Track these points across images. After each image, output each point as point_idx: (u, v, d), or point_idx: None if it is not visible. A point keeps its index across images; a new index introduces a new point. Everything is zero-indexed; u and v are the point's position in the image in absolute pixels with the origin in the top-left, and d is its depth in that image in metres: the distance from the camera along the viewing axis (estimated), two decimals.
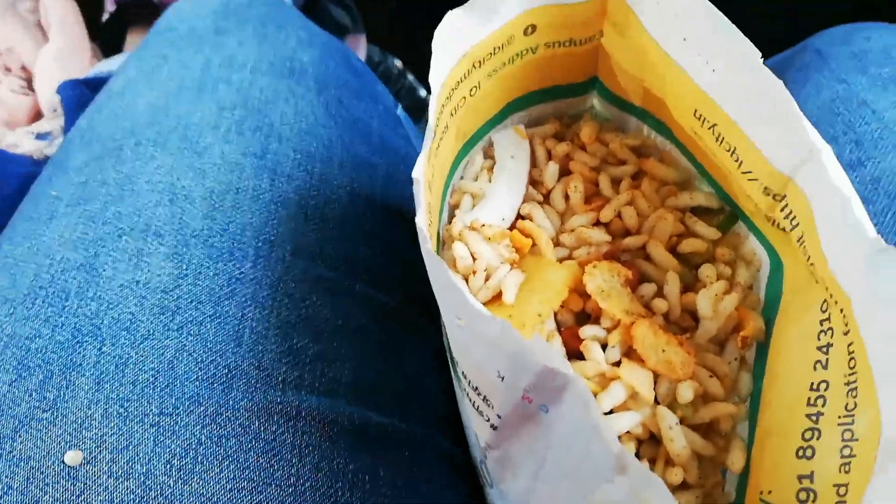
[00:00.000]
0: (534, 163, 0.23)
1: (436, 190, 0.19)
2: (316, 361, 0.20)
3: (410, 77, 0.68)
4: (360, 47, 0.45)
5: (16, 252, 0.22)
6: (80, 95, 0.32)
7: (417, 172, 0.15)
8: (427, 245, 0.14)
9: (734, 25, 0.17)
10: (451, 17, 0.18)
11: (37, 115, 0.41)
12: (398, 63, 0.67)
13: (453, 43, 0.18)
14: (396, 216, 0.25)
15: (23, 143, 0.31)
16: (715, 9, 0.17)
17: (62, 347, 0.18)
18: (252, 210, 0.22)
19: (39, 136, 0.33)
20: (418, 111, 0.68)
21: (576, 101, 0.24)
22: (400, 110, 0.34)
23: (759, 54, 0.16)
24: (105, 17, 0.42)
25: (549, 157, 0.23)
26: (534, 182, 0.22)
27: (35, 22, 0.43)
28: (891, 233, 0.23)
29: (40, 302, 0.20)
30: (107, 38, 0.46)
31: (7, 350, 0.19)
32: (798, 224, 0.17)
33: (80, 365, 0.18)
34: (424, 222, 0.15)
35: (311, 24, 0.31)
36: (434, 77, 0.17)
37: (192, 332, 0.19)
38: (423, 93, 0.69)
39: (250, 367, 0.19)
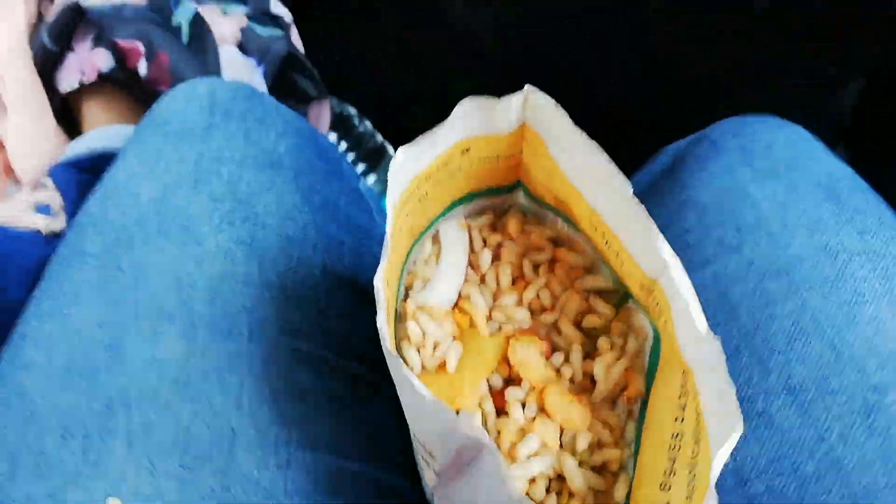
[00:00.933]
0: (472, 249, 0.28)
1: (392, 279, 0.25)
2: (300, 422, 0.25)
3: (367, 123, 0.74)
4: (325, 111, 0.50)
5: (46, 329, 0.26)
6: (76, 179, 0.36)
7: (378, 280, 0.21)
8: (386, 343, 0.20)
9: (608, 157, 0.22)
10: (402, 152, 0.23)
11: (7, 169, 0.44)
12: (353, 110, 0.72)
13: (404, 171, 0.23)
14: (362, 292, 0.31)
15: (27, 217, 0.35)
16: (594, 145, 0.22)
17: (98, 415, 0.23)
18: (245, 294, 0.27)
19: (40, 209, 0.37)
20: (376, 155, 0.74)
21: (506, 198, 0.29)
22: (362, 184, 0.39)
23: (629, 183, 0.22)
24: (73, 87, 0.44)
25: (485, 244, 0.28)
26: (472, 265, 0.28)
27: None
28: (758, 307, 0.28)
29: (76, 376, 0.24)
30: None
31: (52, 417, 0.23)
32: (663, 313, 0.22)
33: (114, 430, 0.23)
34: (384, 323, 0.20)
35: (286, 112, 0.36)
36: (389, 201, 0.23)
37: (202, 400, 0.24)
38: (379, 138, 0.75)
39: (249, 428, 0.24)
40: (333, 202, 0.33)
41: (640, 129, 0.67)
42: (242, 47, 0.45)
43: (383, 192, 0.72)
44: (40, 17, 0.46)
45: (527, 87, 0.24)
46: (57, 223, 0.35)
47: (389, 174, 0.23)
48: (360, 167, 0.71)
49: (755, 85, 0.63)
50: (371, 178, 0.72)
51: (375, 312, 0.20)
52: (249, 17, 0.47)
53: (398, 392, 0.21)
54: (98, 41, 0.41)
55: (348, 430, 0.26)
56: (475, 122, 0.25)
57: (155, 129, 0.33)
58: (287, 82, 0.48)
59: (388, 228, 0.22)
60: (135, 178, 0.31)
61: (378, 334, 0.20)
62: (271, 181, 0.31)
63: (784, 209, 0.31)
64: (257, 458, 0.23)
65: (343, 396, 0.26)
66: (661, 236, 0.22)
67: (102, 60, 0.42)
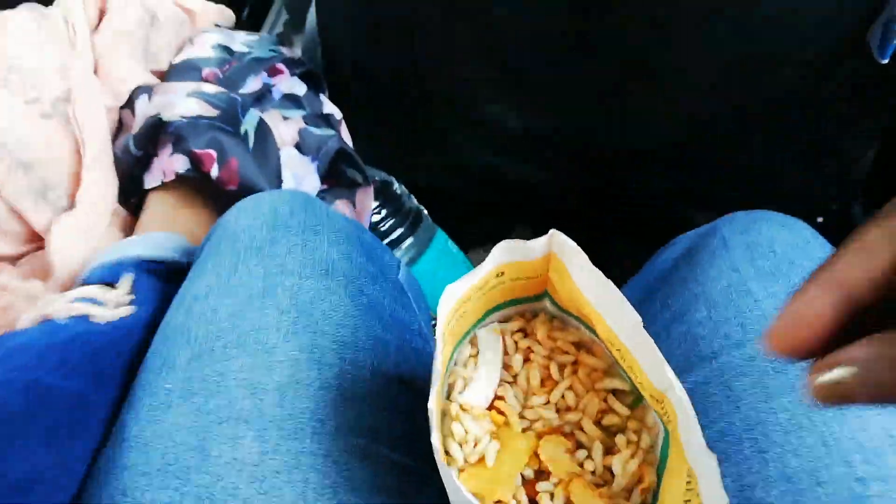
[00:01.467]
0: (505, 351, 0.33)
1: (438, 387, 0.29)
2: None
3: (402, 186, 0.79)
4: (369, 195, 0.56)
5: (144, 434, 0.31)
6: (146, 280, 0.41)
7: (431, 403, 0.25)
8: (438, 457, 0.24)
9: (620, 293, 0.27)
10: (450, 288, 0.27)
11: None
12: (391, 177, 0.77)
13: (452, 301, 0.28)
14: (407, 384, 0.35)
15: (103, 313, 0.39)
16: (609, 282, 0.27)
17: None
18: (307, 396, 0.31)
19: (87, 300, 0.40)
20: (414, 219, 0.78)
21: (534, 305, 0.33)
22: (401, 274, 0.44)
23: (638, 316, 0.26)
24: (156, 184, 0.50)
25: (516, 348, 0.32)
26: (506, 366, 0.32)
27: (68, 205, 0.48)
28: (759, 401, 0.32)
29: (170, 476, 0.29)
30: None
31: None
32: (671, 420, 0.26)
33: None
34: (439, 442, 0.24)
35: (336, 218, 0.41)
36: (439, 333, 0.27)
37: (275, 494, 0.28)
38: (414, 201, 0.80)
39: None
40: (379, 302, 0.38)
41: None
42: (300, 147, 0.51)
43: (417, 258, 0.77)
44: (121, 124, 0.52)
45: (552, 231, 0.28)
46: (124, 310, 0.38)
47: (438, 309, 0.27)
48: (399, 231, 0.76)
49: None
50: (408, 242, 0.77)
51: (419, 406, 0.24)
52: (306, 120, 0.52)
53: (448, 493, 0.25)
54: (176, 148, 0.47)
55: None
56: (508, 254, 0.29)
57: (227, 244, 0.38)
58: (338, 173, 0.53)
59: (438, 357, 0.26)
60: (212, 292, 0.35)
61: (422, 428, 0.24)
62: (327, 289, 0.36)
63: None
64: None
65: (393, 488, 0.31)
66: (665, 362, 0.26)
67: (180, 164, 0.47)
